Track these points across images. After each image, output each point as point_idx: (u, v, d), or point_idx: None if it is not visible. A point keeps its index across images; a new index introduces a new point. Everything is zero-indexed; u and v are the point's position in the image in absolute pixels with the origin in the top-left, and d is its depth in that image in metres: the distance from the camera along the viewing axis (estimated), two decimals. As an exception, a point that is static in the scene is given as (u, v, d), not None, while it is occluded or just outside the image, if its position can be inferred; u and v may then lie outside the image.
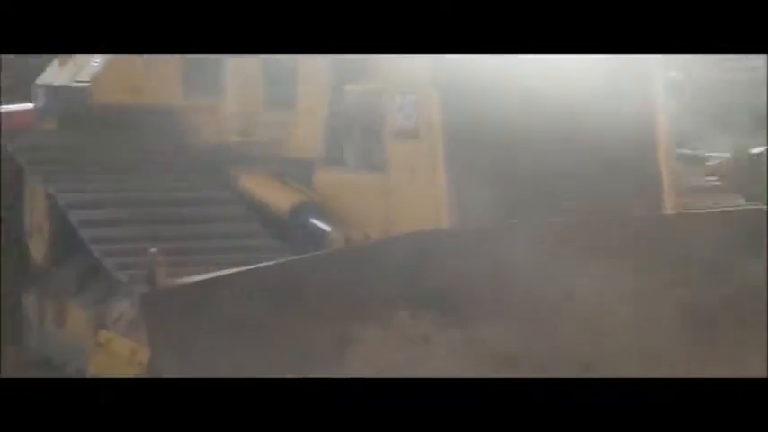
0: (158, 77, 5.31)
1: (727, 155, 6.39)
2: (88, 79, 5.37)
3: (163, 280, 3.54)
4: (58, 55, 6.06)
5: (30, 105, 13.40)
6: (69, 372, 5.28)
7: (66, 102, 5.69)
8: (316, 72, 5.00)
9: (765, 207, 4.63)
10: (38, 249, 5.43)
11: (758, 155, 6.21)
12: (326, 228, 4.76)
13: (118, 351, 4.36)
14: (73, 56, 5.82)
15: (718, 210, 4.87)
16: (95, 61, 5.44)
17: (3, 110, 15.04)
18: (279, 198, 5.08)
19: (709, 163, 6.32)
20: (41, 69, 7.05)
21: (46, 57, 7.00)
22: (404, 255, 3.60)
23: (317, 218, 4.84)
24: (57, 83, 5.83)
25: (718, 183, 5.90)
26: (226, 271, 3.64)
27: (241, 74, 5.36)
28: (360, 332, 3.54)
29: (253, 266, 3.66)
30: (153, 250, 3.61)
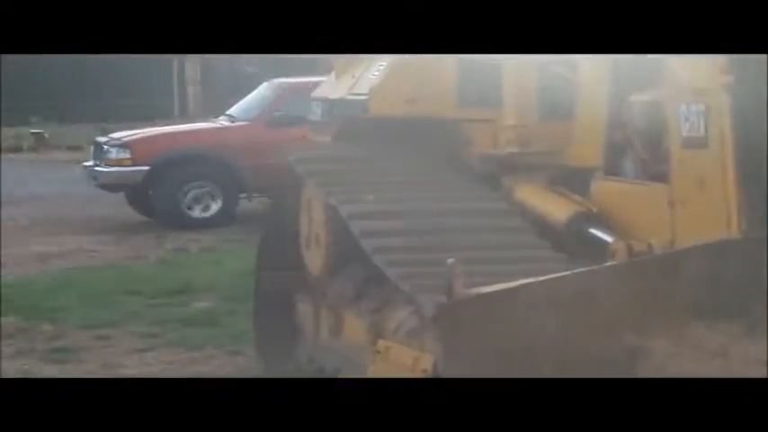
0: (434, 89, 5.36)
1: None
2: (365, 92, 5.49)
3: (460, 290, 3.57)
4: (335, 69, 6.25)
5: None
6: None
7: (344, 114, 5.85)
8: (594, 82, 4.96)
9: None
10: (314, 260, 5.58)
11: None
12: (607, 238, 4.65)
13: (398, 359, 4.43)
14: (349, 69, 5.96)
15: None
16: (373, 74, 5.54)
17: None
18: (555, 209, 5.07)
19: None
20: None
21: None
22: (697, 266, 3.52)
23: (596, 228, 4.77)
24: (333, 96, 6.01)
25: None
26: (516, 282, 3.62)
27: (517, 84, 5.31)
28: (651, 344, 3.45)
29: (543, 278, 3.63)
30: (451, 260, 3.64)
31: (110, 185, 13.00)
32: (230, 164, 12.58)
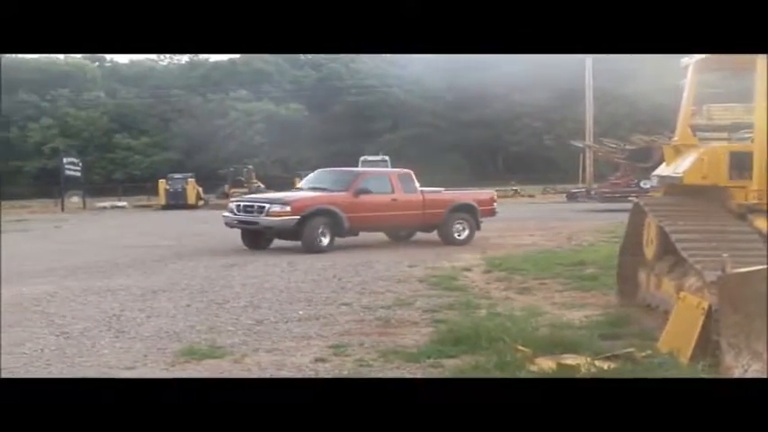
0: (715, 172, 6.31)
1: None
2: (681, 172, 6.59)
3: (728, 269, 4.71)
4: (666, 160, 6.99)
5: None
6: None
7: (669, 183, 6.93)
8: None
9: None
10: (649, 251, 6.89)
11: None
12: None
13: (690, 302, 5.40)
14: (673, 160, 6.83)
15: None
16: (686, 163, 6.43)
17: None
18: None
19: None
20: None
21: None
22: None
23: None
24: (664, 174, 7.09)
25: None
26: (758, 267, 4.56)
27: (760, 168, 6.01)
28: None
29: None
30: (725, 255, 4.85)
31: (272, 228, 14.38)
32: (338, 214, 14.42)
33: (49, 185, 45.56)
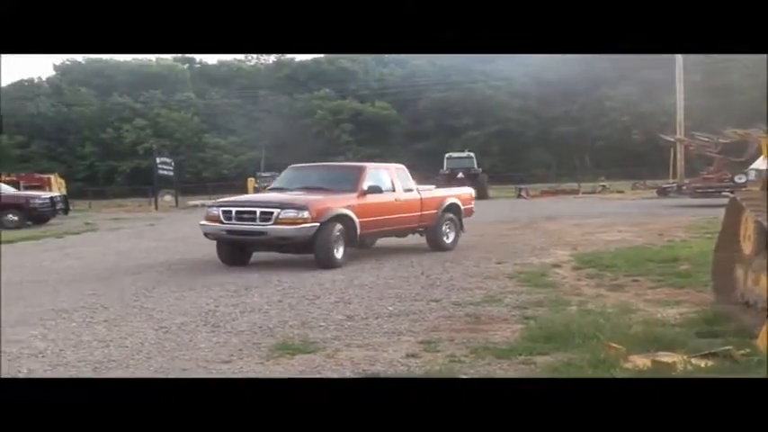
0: None
1: None
2: None
3: None
4: (764, 153, 6.91)
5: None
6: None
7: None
8: None
9: None
10: (746, 247, 6.61)
11: None
12: None
13: None
14: None
15: None
16: None
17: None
18: None
19: None
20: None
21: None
22: None
23: None
24: (762, 167, 7.32)
25: None
26: None
27: None
28: None
29: None
30: None
31: (287, 240, 11.60)
32: (353, 219, 12.09)
33: (143, 185, 47.43)
